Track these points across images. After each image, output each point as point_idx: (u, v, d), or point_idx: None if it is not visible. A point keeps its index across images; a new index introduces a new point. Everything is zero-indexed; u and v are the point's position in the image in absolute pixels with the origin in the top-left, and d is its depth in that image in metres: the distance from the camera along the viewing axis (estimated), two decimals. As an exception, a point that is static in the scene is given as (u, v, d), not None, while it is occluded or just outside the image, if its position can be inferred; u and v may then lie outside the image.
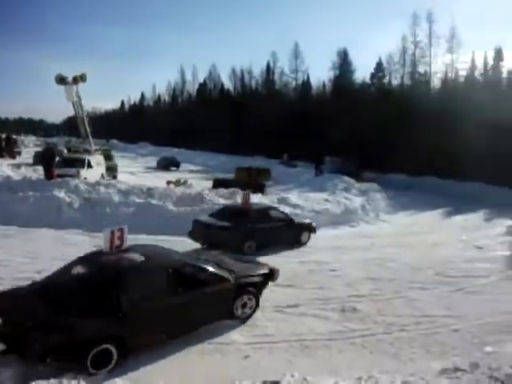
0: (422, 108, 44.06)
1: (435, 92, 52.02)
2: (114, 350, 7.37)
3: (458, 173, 38.11)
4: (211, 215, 16.38)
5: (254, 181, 29.73)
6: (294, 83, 70.47)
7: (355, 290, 11.72)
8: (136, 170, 43.80)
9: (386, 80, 57.40)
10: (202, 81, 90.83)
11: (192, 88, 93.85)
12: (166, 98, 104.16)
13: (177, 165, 51.31)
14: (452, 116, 40.42)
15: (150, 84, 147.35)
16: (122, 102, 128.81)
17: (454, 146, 39.55)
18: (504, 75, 47.95)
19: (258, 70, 78.24)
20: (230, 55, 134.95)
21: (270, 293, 10.66)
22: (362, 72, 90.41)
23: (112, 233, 8.51)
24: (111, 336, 7.38)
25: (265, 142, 58.54)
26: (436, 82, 53.65)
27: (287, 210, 19.85)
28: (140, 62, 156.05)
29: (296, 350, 8.58)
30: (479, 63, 50.32)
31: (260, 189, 26.61)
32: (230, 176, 33.91)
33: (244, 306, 9.48)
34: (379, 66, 57.37)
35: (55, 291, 7.71)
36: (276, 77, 73.35)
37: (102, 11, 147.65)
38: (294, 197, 23.21)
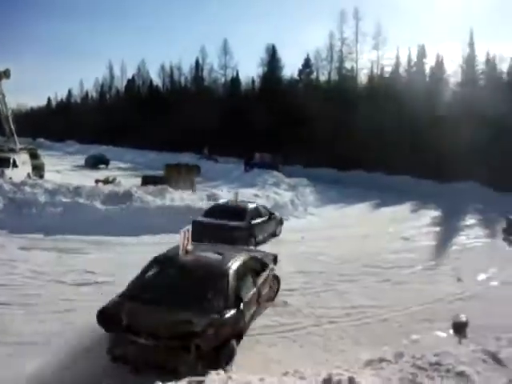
0: (350, 104, 44.91)
1: (362, 88, 53.18)
2: (235, 344, 7.61)
3: (386, 167, 39.11)
4: (207, 215, 16.51)
5: (183, 177, 29.41)
6: (223, 79, 70.28)
7: (286, 284, 11.73)
8: (63, 169, 42.51)
9: (313, 76, 58.13)
10: (130, 77, 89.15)
11: (120, 84, 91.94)
12: (94, 94, 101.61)
13: (106, 162, 50.23)
14: (378, 111, 41.41)
15: (77, 80, 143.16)
16: (49, 99, 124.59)
17: (381, 141, 40.55)
18: (427, 71, 49.53)
19: (187, 67, 77.61)
20: (159, 51, 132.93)
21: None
22: (291, 68, 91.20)
23: (185, 233, 8.86)
24: (239, 331, 7.83)
25: (194, 139, 58.11)
26: (362, 78, 55.01)
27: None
28: (67, 58, 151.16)
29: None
30: (403, 60, 51.75)
31: (190, 185, 26.40)
32: (159, 173, 33.44)
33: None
34: (307, 63, 58.03)
35: (177, 297, 7.61)
36: (205, 73, 72.90)
37: (27, 4, 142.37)
38: (223, 193, 23.13)
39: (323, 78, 57.27)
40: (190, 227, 9.13)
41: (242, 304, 7.96)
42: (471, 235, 21.23)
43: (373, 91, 49.21)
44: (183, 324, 6.91)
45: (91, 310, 7.39)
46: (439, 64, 48.13)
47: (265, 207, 18.59)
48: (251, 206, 17.49)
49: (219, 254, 9.00)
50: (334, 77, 55.69)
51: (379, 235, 19.88)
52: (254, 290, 8.94)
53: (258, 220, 16.86)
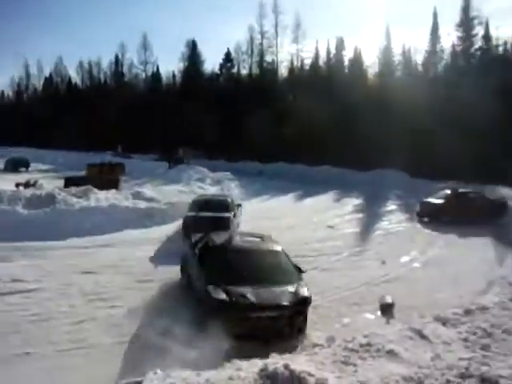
0: (271, 96, 45.33)
1: (282, 80, 53.78)
2: None
3: (307, 158, 39.70)
4: (194, 210, 16.94)
5: (108, 176, 28.82)
6: (143, 75, 69.18)
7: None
8: (-21, 174, 40.65)
9: (234, 70, 58.27)
10: (48, 75, 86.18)
11: (38, 83, 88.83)
12: (10, 94, 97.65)
13: (26, 165, 48.30)
14: (298, 103, 42.05)
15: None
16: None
17: (301, 133, 41.20)
18: (346, 63, 50.78)
19: (106, 63, 75.94)
20: (77, 47, 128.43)
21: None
22: (212, 63, 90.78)
23: None
24: None
25: (116, 136, 56.98)
26: (283, 71, 55.50)
27: (143, 204, 19.59)
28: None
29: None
30: (323, 52, 52.70)
31: (114, 184, 25.85)
32: (82, 173, 32.56)
33: None
34: (228, 57, 58.06)
35: (268, 276, 8.97)
36: (125, 69, 71.58)
37: None
38: (148, 190, 22.87)
39: (244, 71, 57.50)
40: None
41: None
42: (393, 220, 22.07)
43: (293, 83, 49.92)
44: (296, 294, 8.27)
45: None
46: (357, 56, 49.45)
47: (232, 198, 19.33)
48: (229, 198, 18.79)
49: (258, 237, 10.65)
50: (255, 70, 55.93)
51: (304, 225, 20.20)
52: None
53: (236, 210, 18.02)
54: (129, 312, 9.33)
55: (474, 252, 16.02)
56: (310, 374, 4.13)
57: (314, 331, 8.56)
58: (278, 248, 9.97)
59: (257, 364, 4.45)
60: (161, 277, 11.54)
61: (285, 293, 8.27)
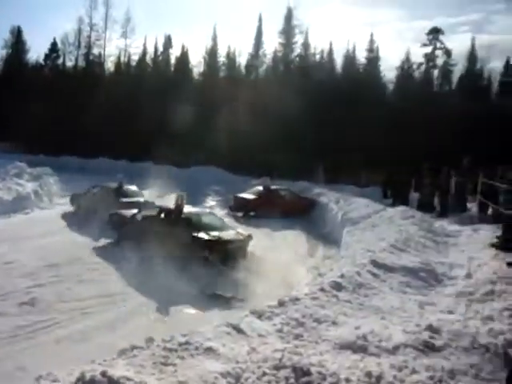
0: (95, 90, 44.08)
1: (108, 75, 52.59)
2: None
3: (132, 154, 39.28)
4: None
5: None
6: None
7: (33, 280, 11.24)
8: None
9: (60, 61, 55.60)
10: None
11: None
12: None
13: None
14: (121, 99, 41.49)
15: None
16: None
17: (122, 129, 40.86)
18: (172, 61, 50.85)
19: None
20: None
21: None
22: (38, 52, 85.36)
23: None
24: None
25: None
26: (110, 65, 54.08)
27: None
28: None
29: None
30: (151, 49, 52.18)
31: None
32: None
33: None
34: (54, 47, 55.03)
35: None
36: None
37: None
38: None
39: (70, 63, 55.03)
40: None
41: None
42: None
43: (119, 78, 49.04)
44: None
45: None
46: (184, 54, 49.64)
47: None
48: None
49: None
50: (82, 63, 53.87)
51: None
52: None
53: None
54: None
55: (288, 245, 16.98)
56: (129, 379, 4.14)
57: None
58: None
59: (73, 373, 4.35)
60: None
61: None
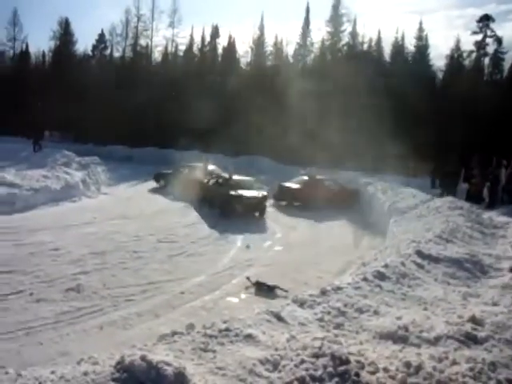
0: (143, 81, 44.59)
1: (156, 65, 53.15)
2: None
3: (175, 143, 39.52)
4: None
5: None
6: (11, 52, 64.60)
7: (79, 267, 11.45)
8: None
9: (107, 52, 56.52)
10: None
11: None
12: None
13: None
14: (170, 88, 41.88)
15: None
16: None
17: (172, 117, 41.02)
18: (220, 51, 51.17)
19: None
20: None
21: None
22: (85, 43, 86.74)
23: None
24: None
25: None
26: (157, 55, 54.66)
27: (3, 189, 18.57)
28: None
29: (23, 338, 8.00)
30: (198, 39, 52.52)
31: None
32: None
33: None
34: (101, 38, 56.03)
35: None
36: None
37: None
38: (10, 175, 21.65)
39: (117, 54, 55.88)
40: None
41: None
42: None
43: (167, 69, 49.53)
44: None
45: None
46: (231, 44, 49.85)
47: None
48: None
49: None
50: (129, 53, 54.60)
51: (173, 211, 20.20)
52: None
53: None
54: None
55: (333, 234, 16.92)
56: (168, 364, 4.14)
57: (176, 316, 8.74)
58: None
59: (114, 357, 4.40)
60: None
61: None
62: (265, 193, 21.05)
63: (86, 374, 4.07)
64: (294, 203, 22.58)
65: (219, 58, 50.60)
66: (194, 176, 24.65)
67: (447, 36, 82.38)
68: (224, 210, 19.44)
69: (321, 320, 6.18)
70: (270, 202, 22.28)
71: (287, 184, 23.54)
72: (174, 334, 5.21)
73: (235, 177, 21.58)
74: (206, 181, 23.05)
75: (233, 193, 19.75)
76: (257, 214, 20.20)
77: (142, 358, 4.18)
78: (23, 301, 9.41)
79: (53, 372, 4.11)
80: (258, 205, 20.15)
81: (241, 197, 19.68)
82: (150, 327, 8.54)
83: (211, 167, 26.91)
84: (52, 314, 8.86)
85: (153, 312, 9.30)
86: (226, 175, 22.19)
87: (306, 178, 23.95)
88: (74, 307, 9.26)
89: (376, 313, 6.52)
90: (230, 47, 50.04)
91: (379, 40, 43.38)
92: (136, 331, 8.39)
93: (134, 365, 4.11)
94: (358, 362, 4.77)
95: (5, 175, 20.99)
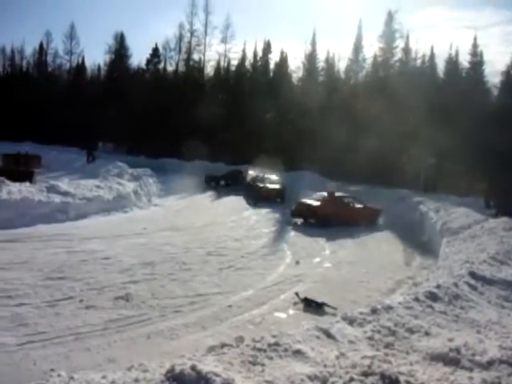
0: (196, 95, 45.23)
1: (208, 79, 53.84)
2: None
3: (230, 156, 39.91)
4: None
5: (22, 168, 27.77)
6: (68, 65, 66.48)
7: (129, 277, 11.60)
8: None
9: (161, 66, 57.58)
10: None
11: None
12: None
13: None
14: (223, 103, 42.41)
15: None
16: None
17: (224, 131, 41.48)
18: (271, 66, 51.55)
19: (30, 50, 72.16)
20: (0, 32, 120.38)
21: (38, 289, 10.18)
22: (139, 57, 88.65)
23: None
24: None
25: (35, 127, 54.87)
26: (209, 70, 55.39)
27: (57, 198, 19.00)
28: None
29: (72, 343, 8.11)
30: (250, 54, 53.06)
31: (29, 177, 24.84)
32: (-5, 164, 31.12)
33: None
34: (155, 52, 57.10)
35: None
36: (49, 58, 68.32)
37: None
38: (64, 184, 22.16)
39: (171, 68, 56.89)
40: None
41: None
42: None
43: (219, 83, 50.14)
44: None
45: None
46: (283, 59, 50.16)
47: None
48: None
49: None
50: (182, 68, 55.51)
51: (222, 224, 20.30)
52: None
53: None
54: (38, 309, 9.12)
55: (382, 253, 16.69)
56: (217, 375, 4.14)
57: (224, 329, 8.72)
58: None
59: (164, 365, 4.42)
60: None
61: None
62: (281, 186, 29.82)
63: (136, 380, 4.10)
64: (311, 220, 22.09)
65: (271, 74, 50.88)
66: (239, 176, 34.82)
67: (503, 52, 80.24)
68: (255, 196, 27.82)
69: (371, 338, 6.10)
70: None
71: (306, 200, 23.11)
72: (224, 345, 5.22)
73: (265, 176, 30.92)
74: (247, 180, 33.32)
75: (261, 185, 28.58)
76: (278, 199, 28.26)
77: (191, 368, 4.19)
78: (73, 307, 9.57)
79: (104, 377, 4.15)
80: (279, 194, 28.78)
81: (265, 188, 28.71)
82: (196, 339, 8.52)
83: (251, 172, 34.82)
84: (100, 321, 8.96)
85: (200, 324, 9.29)
86: (260, 175, 31.59)
87: (325, 194, 23.46)
88: (123, 315, 9.34)
89: (427, 334, 6.41)
90: (282, 62, 50.32)
91: (432, 56, 42.65)
92: (182, 342, 8.39)
93: (184, 374, 4.13)
94: (407, 382, 4.68)
95: (59, 184, 21.46)
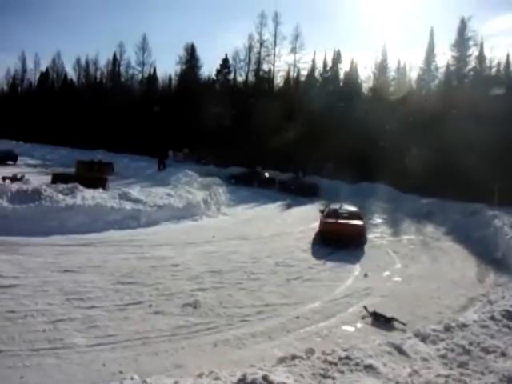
0: (266, 105, 45.46)
1: (278, 89, 54.07)
2: None
3: (304, 167, 39.89)
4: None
5: (96, 175, 28.61)
6: (140, 76, 68.57)
7: (197, 284, 11.69)
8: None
9: (231, 76, 58.34)
10: (44, 70, 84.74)
11: (34, 77, 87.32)
12: (5, 87, 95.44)
13: (14, 158, 46.82)
14: (294, 113, 42.41)
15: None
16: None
17: (301, 142, 41.51)
18: (341, 76, 51.35)
19: (104, 61, 75.11)
20: (76, 44, 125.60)
21: (108, 292, 10.44)
22: (209, 68, 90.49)
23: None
24: None
25: (108, 135, 56.63)
26: (279, 80, 55.68)
27: (129, 205, 19.45)
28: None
29: (140, 347, 8.28)
30: (320, 64, 53.03)
31: (102, 184, 25.55)
32: (71, 170, 32.22)
33: None
34: (225, 63, 58.05)
35: None
36: (122, 69, 70.75)
37: None
38: (135, 192, 22.67)
39: (240, 78, 57.58)
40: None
41: None
42: (377, 233, 22.02)
43: (289, 93, 50.26)
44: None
45: None
46: (353, 69, 49.89)
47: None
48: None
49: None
50: (251, 78, 56.09)
51: (290, 234, 20.21)
52: None
53: None
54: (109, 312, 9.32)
55: (454, 268, 16.20)
56: (288, 386, 4.10)
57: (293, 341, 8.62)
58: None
59: (235, 374, 4.40)
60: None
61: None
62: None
63: (208, 387, 4.10)
64: None
65: (341, 83, 50.55)
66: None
67: None
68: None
69: (444, 357, 5.90)
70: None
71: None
72: (294, 357, 5.17)
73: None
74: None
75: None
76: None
77: (263, 378, 4.16)
78: (142, 311, 9.76)
79: (176, 382, 4.17)
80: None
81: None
82: (263, 349, 8.49)
83: (266, 173, 39.97)
84: (168, 327, 9.09)
85: (267, 334, 9.24)
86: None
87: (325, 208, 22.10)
88: (191, 322, 9.43)
89: (503, 354, 6.13)
90: (352, 72, 49.98)
91: (508, 64, 41.36)
92: (249, 351, 8.37)
93: (255, 383, 4.10)
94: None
95: (131, 191, 21.97)
